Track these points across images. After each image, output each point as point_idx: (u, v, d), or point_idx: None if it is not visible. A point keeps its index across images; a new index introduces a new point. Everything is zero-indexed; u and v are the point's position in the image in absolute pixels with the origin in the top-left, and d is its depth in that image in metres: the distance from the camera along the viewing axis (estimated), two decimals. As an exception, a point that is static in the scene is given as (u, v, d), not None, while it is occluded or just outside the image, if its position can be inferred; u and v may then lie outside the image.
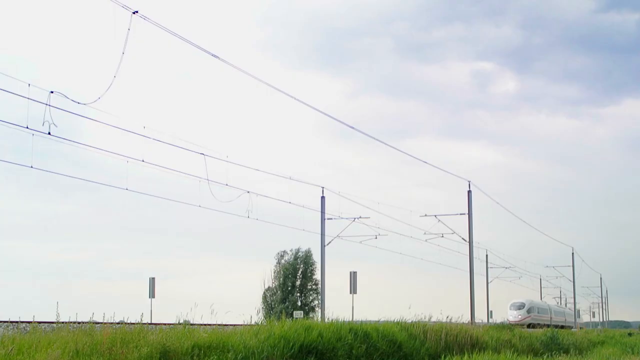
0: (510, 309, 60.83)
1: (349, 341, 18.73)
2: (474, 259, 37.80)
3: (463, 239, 37.24)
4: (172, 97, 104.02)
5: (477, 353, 21.37)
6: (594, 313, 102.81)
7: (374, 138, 30.84)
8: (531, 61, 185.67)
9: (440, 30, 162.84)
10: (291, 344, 16.18)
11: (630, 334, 66.25)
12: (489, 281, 63.61)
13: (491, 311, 61.05)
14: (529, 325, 53.48)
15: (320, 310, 37.33)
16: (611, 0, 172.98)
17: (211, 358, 13.80)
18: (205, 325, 17.28)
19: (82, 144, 18.56)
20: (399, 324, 23.74)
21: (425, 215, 37.95)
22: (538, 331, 40.51)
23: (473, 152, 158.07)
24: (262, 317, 44.87)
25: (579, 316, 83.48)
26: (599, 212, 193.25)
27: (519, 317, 59.08)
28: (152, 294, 32.02)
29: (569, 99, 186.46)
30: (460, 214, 37.01)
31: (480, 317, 44.26)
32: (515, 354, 22.75)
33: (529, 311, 60.41)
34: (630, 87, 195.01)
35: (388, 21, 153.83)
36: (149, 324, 16.62)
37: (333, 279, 39.68)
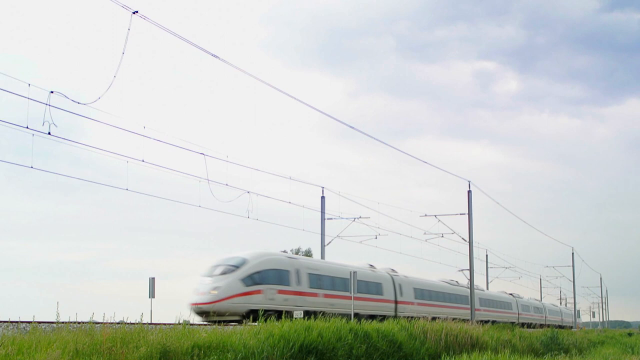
0: (203, 276, 25.07)
1: (349, 341, 18.72)
2: (474, 259, 37.82)
3: (463, 239, 37.26)
4: (172, 97, 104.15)
5: (477, 353, 21.37)
6: (594, 313, 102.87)
7: (375, 138, 30.88)
8: (534, 61, 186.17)
9: (443, 30, 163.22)
10: (291, 344, 16.17)
11: (630, 334, 66.30)
12: (489, 281, 63.70)
13: None
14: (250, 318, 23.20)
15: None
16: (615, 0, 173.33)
17: (211, 358, 13.79)
18: (205, 325, 17.28)
19: (82, 144, 18.62)
20: (399, 323, 23.74)
21: (425, 215, 37.96)
22: (538, 331, 40.50)
23: (474, 151, 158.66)
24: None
25: (578, 316, 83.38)
26: (599, 212, 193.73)
27: (215, 291, 23.94)
28: (152, 294, 31.96)
29: (572, 98, 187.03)
30: (460, 214, 37.02)
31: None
32: (515, 354, 22.75)
33: (255, 280, 24.92)
34: (633, 86, 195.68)
35: (390, 21, 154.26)
36: (149, 324, 16.61)
37: (333, 279, 39.64)
